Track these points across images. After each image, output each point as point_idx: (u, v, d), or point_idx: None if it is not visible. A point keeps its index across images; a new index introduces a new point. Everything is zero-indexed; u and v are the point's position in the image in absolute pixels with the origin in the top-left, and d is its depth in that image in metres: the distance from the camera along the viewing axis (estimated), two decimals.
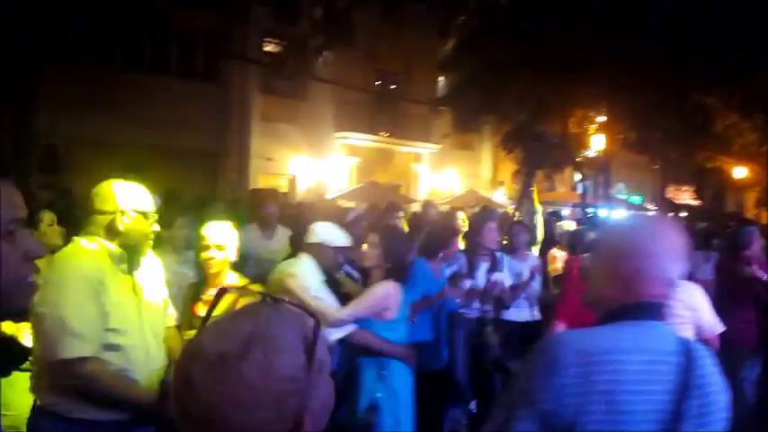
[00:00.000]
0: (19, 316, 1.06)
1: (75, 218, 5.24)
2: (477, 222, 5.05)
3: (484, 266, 4.83)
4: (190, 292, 3.38)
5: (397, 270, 3.45)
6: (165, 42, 15.45)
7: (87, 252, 2.42)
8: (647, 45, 12.75)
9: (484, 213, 5.58)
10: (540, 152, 14.77)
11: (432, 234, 4.51)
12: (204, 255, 3.28)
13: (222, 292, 0.98)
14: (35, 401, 2.38)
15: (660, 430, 1.39)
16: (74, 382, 2.26)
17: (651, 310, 1.51)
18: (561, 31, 13.45)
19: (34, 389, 2.37)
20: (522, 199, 15.15)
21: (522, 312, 5.20)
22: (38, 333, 2.31)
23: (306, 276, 3.45)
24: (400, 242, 3.61)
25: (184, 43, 15.89)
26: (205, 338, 0.87)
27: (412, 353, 3.47)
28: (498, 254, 5.04)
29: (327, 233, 3.68)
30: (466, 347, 4.52)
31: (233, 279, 3.35)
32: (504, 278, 4.94)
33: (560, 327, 3.70)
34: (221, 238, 3.28)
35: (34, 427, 2.35)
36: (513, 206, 16.76)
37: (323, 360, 0.91)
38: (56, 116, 12.29)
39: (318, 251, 3.60)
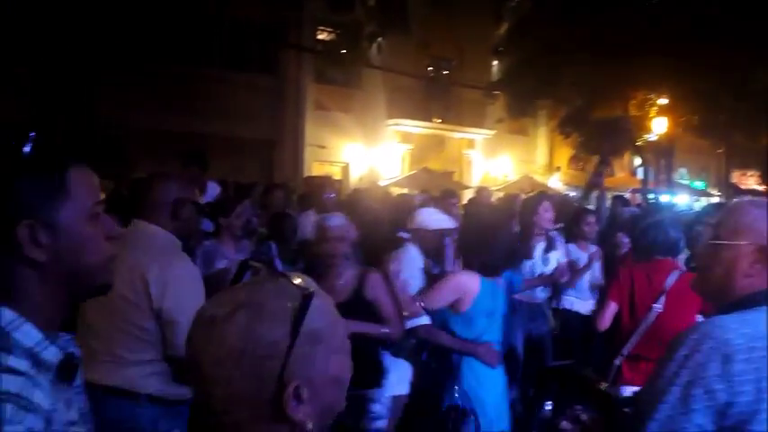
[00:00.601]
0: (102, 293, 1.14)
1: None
2: (532, 203, 4.93)
3: (540, 247, 4.74)
4: None
5: (483, 261, 3.16)
6: (220, 34, 15.71)
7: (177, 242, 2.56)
8: (709, 23, 12.24)
9: (539, 195, 5.48)
10: (599, 137, 14.37)
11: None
12: (325, 246, 3.31)
13: (245, 265, 1.07)
14: (133, 390, 2.43)
15: None
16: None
17: None
18: (619, 11, 13.05)
19: (135, 377, 2.44)
20: (592, 187, 14.83)
21: (585, 303, 5.08)
22: (164, 326, 2.41)
23: (404, 261, 3.47)
24: (486, 232, 3.23)
25: (239, 34, 16.12)
26: (208, 303, 0.98)
27: (490, 350, 3.13)
28: (553, 233, 4.93)
29: (426, 218, 3.70)
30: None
31: (350, 269, 3.36)
32: (561, 257, 4.84)
33: (612, 307, 3.56)
34: (342, 230, 3.32)
35: (138, 413, 2.42)
36: (575, 194, 16.45)
37: (319, 330, 0.95)
38: (115, 109, 12.69)
39: (418, 236, 3.63)
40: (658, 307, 3.32)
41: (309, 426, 0.93)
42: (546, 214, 4.72)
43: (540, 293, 4.73)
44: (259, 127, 16.34)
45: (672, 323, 3.17)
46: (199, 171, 4.78)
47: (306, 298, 0.94)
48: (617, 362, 3.36)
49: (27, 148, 1.04)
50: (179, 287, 2.40)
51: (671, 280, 3.35)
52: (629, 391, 3.09)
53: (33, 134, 1.05)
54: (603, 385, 2.63)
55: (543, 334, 4.72)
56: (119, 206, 4.87)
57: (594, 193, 12.09)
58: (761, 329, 1.37)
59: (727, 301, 1.50)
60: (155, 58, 14.14)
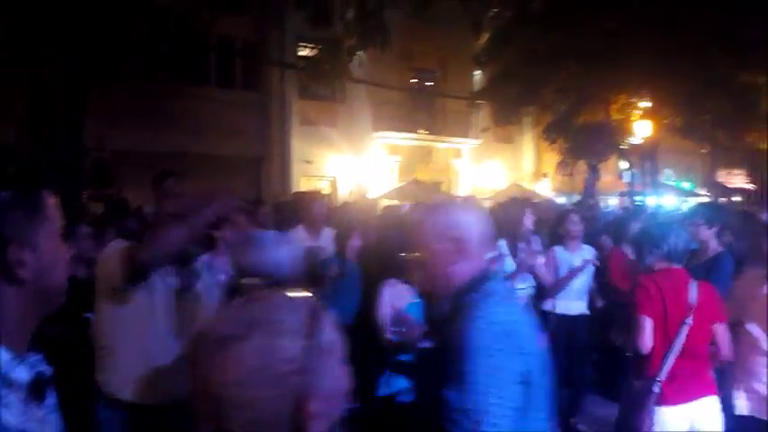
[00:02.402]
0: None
1: (128, 227, 5.39)
2: (514, 210, 4.98)
3: (522, 250, 4.76)
4: None
5: None
6: (205, 52, 15.74)
7: None
8: (689, 26, 12.40)
9: (518, 202, 5.52)
10: (585, 142, 14.50)
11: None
12: None
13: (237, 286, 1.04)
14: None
15: None
16: None
17: None
18: (598, 17, 13.21)
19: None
20: (587, 193, 14.90)
21: (570, 305, 5.10)
22: None
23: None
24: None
25: (223, 52, 16.16)
26: (215, 322, 0.95)
27: None
28: (533, 237, 4.97)
29: None
30: None
31: None
32: (537, 256, 4.85)
33: (649, 324, 3.20)
34: None
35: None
36: (564, 200, 16.52)
37: (331, 343, 0.95)
38: (103, 130, 12.65)
39: None
40: (690, 321, 3.08)
41: None
42: (527, 221, 4.77)
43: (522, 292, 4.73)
44: (246, 144, 16.37)
45: (699, 336, 3.04)
46: (175, 181, 4.69)
47: (317, 310, 0.94)
48: (656, 388, 3.02)
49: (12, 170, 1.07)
50: None
51: (693, 290, 3.11)
52: (673, 413, 3.01)
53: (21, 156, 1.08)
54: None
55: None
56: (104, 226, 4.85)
57: (590, 201, 12.19)
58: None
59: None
60: (140, 77, 14.13)
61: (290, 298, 0.97)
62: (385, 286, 3.73)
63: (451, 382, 1.50)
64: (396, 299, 3.67)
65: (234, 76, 16.78)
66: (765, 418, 3.11)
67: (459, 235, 1.74)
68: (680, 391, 3.04)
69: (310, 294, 0.98)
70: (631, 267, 5.52)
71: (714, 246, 4.28)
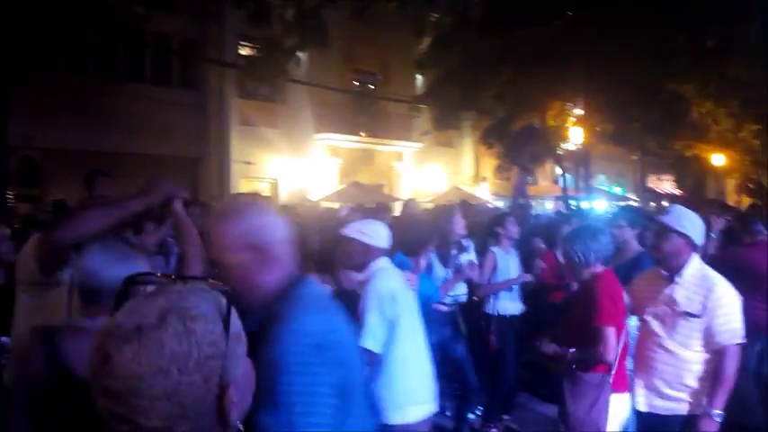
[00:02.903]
0: None
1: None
2: (444, 215, 5.06)
3: (455, 255, 4.85)
4: None
5: None
6: (139, 49, 15.31)
7: None
8: (621, 36, 12.86)
9: (449, 206, 5.63)
10: (520, 146, 14.86)
11: (415, 232, 4.46)
12: None
13: (130, 281, 0.96)
14: None
15: None
16: None
17: None
18: (536, 24, 13.55)
19: None
20: (519, 196, 15.21)
21: (507, 305, 5.20)
22: None
23: None
24: None
25: (159, 50, 15.76)
26: (119, 317, 0.87)
27: None
28: (465, 241, 5.08)
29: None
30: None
31: None
32: (473, 259, 4.95)
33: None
34: None
35: None
36: (503, 203, 16.80)
37: (239, 330, 0.93)
38: (30, 127, 12.14)
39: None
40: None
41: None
42: (458, 225, 4.85)
43: (450, 300, 4.80)
44: (183, 144, 15.99)
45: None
46: (105, 181, 4.53)
47: (230, 297, 0.91)
48: (610, 378, 3.07)
49: None
50: None
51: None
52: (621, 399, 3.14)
53: None
54: None
55: (456, 339, 4.80)
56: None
57: (521, 201, 12.48)
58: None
59: None
60: (71, 74, 13.64)
61: (199, 288, 0.93)
62: None
63: (263, 404, 1.30)
64: None
65: (171, 73, 16.38)
66: (663, 414, 3.13)
67: (258, 241, 1.57)
68: (623, 380, 3.15)
69: (218, 284, 0.95)
70: (561, 271, 5.73)
71: (635, 246, 4.49)
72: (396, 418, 3.03)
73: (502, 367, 5.11)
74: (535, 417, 5.49)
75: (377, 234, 3.31)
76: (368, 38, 19.16)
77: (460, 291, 4.84)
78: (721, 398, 2.94)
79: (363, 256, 3.27)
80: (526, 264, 5.49)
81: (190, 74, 16.58)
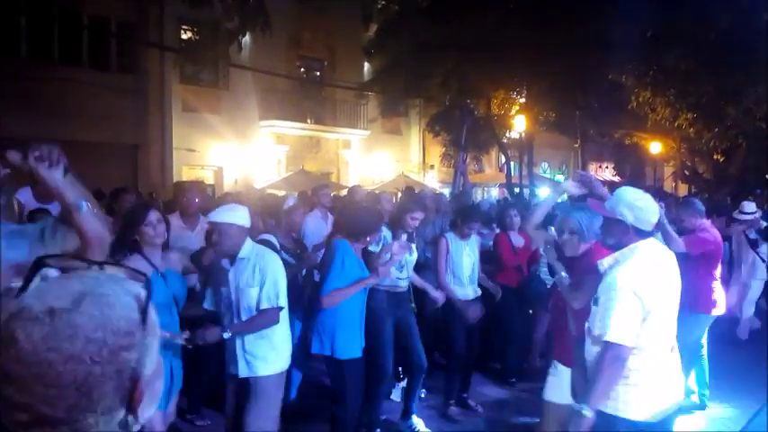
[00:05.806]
0: None
1: None
2: (405, 206, 5.14)
3: (404, 238, 4.86)
4: None
5: None
6: (76, 32, 14.69)
7: None
8: (561, 27, 13.07)
9: (413, 199, 5.67)
10: (465, 134, 14.98)
11: (359, 218, 4.43)
12: None
13: (39, 263, 0.87)
14: None
15: None
16: None
17: None
18: (480, 13, 13.64)
19: None
20: (456, 181, 15.31)
21: (466, 290, 5.28)
22: None
23: None
24: None
25: (97, 32, 15.16)
26: (27, 299, 0.80)
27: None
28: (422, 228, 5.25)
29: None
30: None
31: None
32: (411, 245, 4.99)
33: None
34: None
35: None
36: (449, 189, 16.91)
37: (155, 326, 0.88)
38: None
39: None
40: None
41: (157, 428, 0.85)
42: (414, 221, 4.86)
43: (403, 282, 4.84)
44: (121, 130, 15.46)
45: None
46: None
47: (149, 287, 0.87)
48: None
49: None
50: None
51: None
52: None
53: None
54: None
55: (410, 319, 4.87)
56: None
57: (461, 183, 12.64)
58: None
59: None
60: (3, 56, 12.99)
61: (117, 275, 0.88)
62: None
63: None
64: None
65: (109, 57, 15.78)
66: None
67: None
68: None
69: (137, 272, 0.89)
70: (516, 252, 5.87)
71: None
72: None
73: (451, 347, 5.25)
74: (489, 395, 5.73)
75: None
76: (315, 23, 18.94)
77: (404, 275, 4.85)
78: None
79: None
80: None
81: (129, 58, 16.01)
